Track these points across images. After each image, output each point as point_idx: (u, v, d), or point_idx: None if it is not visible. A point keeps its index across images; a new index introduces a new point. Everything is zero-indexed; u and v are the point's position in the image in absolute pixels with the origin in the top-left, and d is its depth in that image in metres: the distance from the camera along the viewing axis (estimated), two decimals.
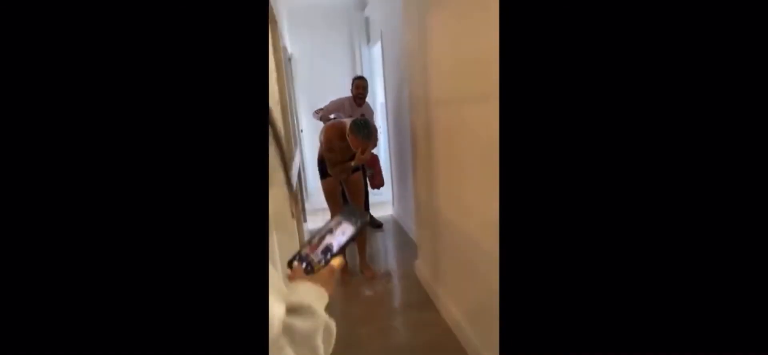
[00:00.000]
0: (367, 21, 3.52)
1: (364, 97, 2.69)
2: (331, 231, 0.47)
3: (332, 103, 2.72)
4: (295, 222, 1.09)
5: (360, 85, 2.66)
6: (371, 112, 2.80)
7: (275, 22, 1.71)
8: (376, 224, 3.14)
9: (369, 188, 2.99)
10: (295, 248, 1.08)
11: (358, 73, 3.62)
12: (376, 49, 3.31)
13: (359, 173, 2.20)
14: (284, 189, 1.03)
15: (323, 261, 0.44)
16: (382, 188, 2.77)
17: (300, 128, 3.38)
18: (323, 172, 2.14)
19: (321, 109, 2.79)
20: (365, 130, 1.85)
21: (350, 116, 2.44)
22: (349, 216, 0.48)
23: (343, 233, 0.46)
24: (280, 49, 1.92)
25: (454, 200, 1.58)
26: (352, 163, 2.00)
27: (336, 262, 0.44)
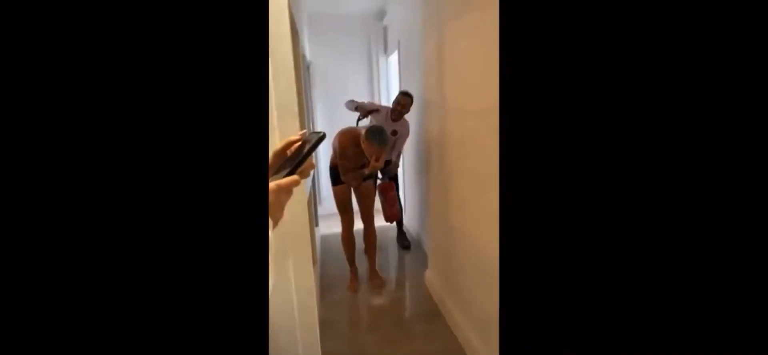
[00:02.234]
0: (385, 30, 3.56)
1: (403, 114, 2.43)
2: (291, 159, 0.47)
3: (371, 103, 2.54)
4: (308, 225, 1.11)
5: (404, 104, 2.36)
6: (407, 130, 2.50)
7: (297, 33, 1.76)
8: (405, 245, 2.89)
9: (402, 204, 2.88)
10: (307, 249, 1.10)
11: (376, 82, 3.66)
12: (393, 59, 3.34)
13: (370, 182, 2.20)
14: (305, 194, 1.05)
15: None
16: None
17: None
18: (335, 179, 2.15)
19: (357, 103, 2.46)
20: (380, 137, 1.87)
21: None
22: (309, 139, 0.48)
23: (298, 153, 0.46)
24: (300, 57, 1.97)
25: (466, 211, 1.58)
26: (365, 171, 2.00)
27: (287, 180, 0.43)
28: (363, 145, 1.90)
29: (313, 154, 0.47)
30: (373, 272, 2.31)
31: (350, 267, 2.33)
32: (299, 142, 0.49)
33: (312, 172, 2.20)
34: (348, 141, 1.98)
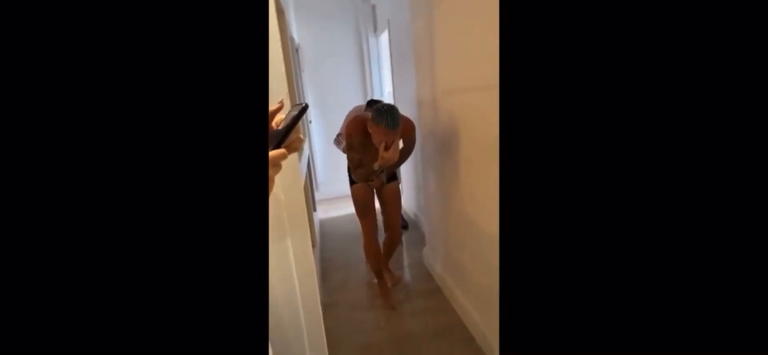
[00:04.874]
0: (373, 9, 3.49)
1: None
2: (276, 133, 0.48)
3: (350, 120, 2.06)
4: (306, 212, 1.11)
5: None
6: (413, 127, 1.81)
7: (282, 13, 1.72)
8: (403, 225, 2.82)
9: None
10: (305, 231, 1.11)
11: (367, 62, 3.61)
12: (383, 38, 3.29)
13: (396, 182, 1.86)
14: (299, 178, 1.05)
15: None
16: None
17: (308, 119, 3.40)
18: (352, 178, 1.81)
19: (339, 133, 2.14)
20: (388, 117, 1.45)
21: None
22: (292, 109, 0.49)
23: (283, 123, 0.47)
24: (287, 40, 1.93)
25: (461, 189, 1.59)
26: (375, 166, 1.58)
27: (273, 153, 0.44)
28: (370, 130, 1.53)
29: (304, 132, 0.47)
30: (386, 269, 2.05)
31: (379, 281, 1.95)
32: (284, 118, 0.49)
33: (307, 154, 2.17)
34: (354, 128, 1.58)
